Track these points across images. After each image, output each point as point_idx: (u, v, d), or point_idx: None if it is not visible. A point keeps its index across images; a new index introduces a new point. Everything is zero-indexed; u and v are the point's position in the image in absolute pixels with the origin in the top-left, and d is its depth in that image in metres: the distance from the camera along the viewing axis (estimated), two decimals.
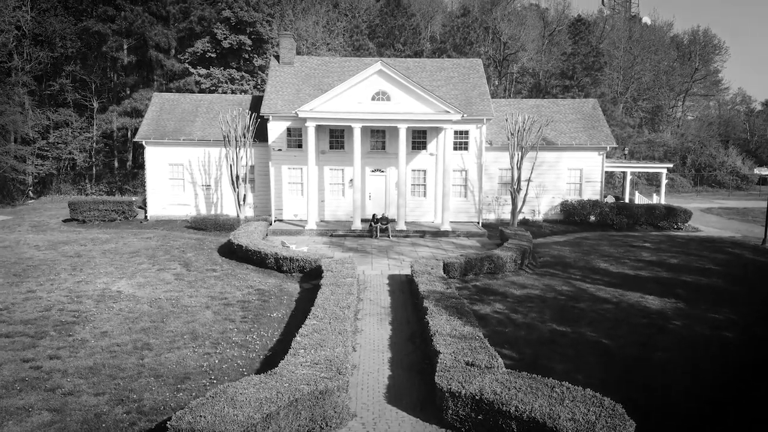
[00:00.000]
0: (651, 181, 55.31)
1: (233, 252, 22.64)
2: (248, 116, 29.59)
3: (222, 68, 41.87)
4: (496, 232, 28.46)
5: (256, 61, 44.22)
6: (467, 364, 10.10)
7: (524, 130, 28.68)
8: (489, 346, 11.03)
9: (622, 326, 15.08)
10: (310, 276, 19.14)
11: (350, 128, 28.06)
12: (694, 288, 19.21)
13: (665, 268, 22.24)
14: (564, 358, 12.74)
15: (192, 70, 42.56)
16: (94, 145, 47.38)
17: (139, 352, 12.81)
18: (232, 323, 14.84)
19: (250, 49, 42.76)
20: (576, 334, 14.41)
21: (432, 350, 11.21)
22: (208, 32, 42.66)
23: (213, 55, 42.33)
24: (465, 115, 27.33)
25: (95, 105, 46.94)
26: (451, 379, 9.41)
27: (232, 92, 41.49)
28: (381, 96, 27.50)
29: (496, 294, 17.91)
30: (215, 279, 19.36)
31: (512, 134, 28.95)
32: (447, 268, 18.69)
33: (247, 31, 42.08)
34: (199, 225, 28.82)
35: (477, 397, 8.87)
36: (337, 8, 58.64)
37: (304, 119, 27.14)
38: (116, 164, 48.16)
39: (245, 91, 42.61)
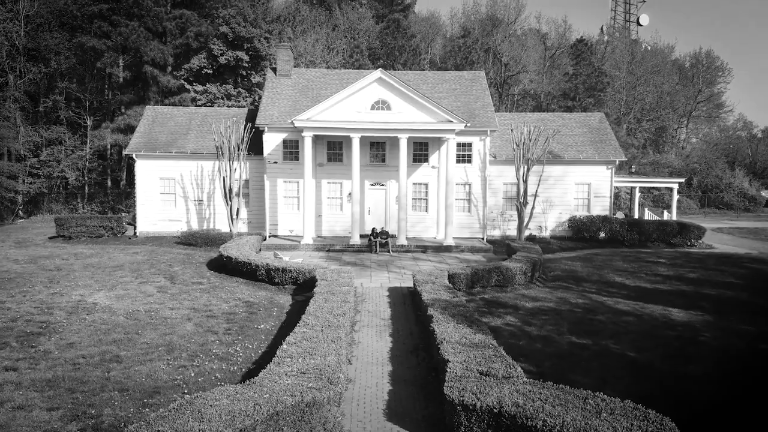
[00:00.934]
0: (657, 202, 54.08)
1: (223, 265, 21.22)
2: (242, 127, 28.42)
3: (219, 84, 40.95)
4: (502, 248, 27.08)
5: (254, 77, 43.35)
6: (481, 373, 8.63)
7: (530, 140, 27.49)
8: (505, 354, 9.57)
9: (648, 339, 13.59)
10: (304, 288, 17.68)
11: (349, 139, 26.87)
12: (719, 301, 17.73)
13: (685, 282, 20.77)
14: (588, 371, 11.24)
15: (188, 86, 41.64)
16: (87, 164, 46.25)
17: (107, 364, 11.31)
18: (214, 335, 13.36)
19: (247, 65, 41.92)
20: (598, 346, 12.92)
21: (440, 359, 9.74)
22: (205, 48, 41.88)
23: (210, 72, 41.45)
24: (468, 125, 26.17)
25: (89, 123, 45.97)
26: (463, 390, 7.93)
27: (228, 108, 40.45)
28: (381, 105, 26.38)
29: (507, 306, 16.44)
30: (201, 291, 17.90)
31: (517, 145, 27.76)
32: (452, 279, 17.25)
33: (245, 47, 41.27)
34: (190, 240, 27.42)
35: (495, 411, 7.38)
36: (335, 30, 58.20)
37: (301, 129, 25.97)
38: (109, 183, 46.97)
39: (242, 107, 41.63)
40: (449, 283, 16.48)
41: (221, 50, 40.66)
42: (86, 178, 46.48)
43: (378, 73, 26.06)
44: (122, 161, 46.02)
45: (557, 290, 18.87)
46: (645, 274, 22.31)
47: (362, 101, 26.25)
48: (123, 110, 44.03)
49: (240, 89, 42.01)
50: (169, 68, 44.13)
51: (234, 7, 40.80)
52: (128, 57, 42.66)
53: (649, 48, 71.48)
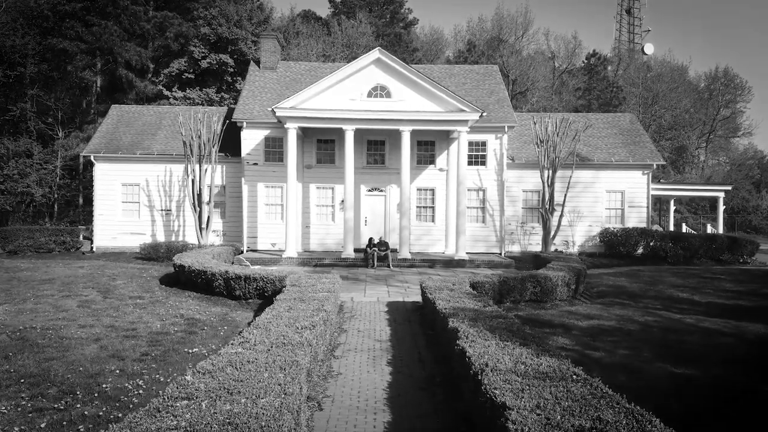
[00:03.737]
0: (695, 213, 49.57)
1: (177, 278, 16.66)
2: (217, 121, 24.10)
3: (199, 89, 36.91)
4: (525, 264, 22.35)
5: (239, 84, 39.34)
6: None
7: (557, 135, 23.18)
8: (611, 392, 4.95)
9: None
10: (272, 302, 13.03)
11: (341, 134, 22.52)
12: None
13: (766, 297, 16.14)
14: (728, 418, 6.59)
15: (167, 92, 37.58)
16: (58, 179, 41.92)
17: None
18: (119, 362, 8.74)
19: (233, 70, 37.96)
20: (711, 378, 8.27)
21: (484, 403, 5.09)
22: (186, 51, 38.00)
23: (191, 76, 37.46)
24: (484, 114, 21.82)
25: (60, 134, 41.82)
26: None
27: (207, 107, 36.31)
28: (379, 92, 22.14)
29: (553, 326, 11.79)
30: (135, 307, 13.27)
31: (541, 141, 23.43)
32: (475, 289, 12.62)
33: (229, 50, 37.36)
34: (151, 254, 22.86)
35: None
36: (333, 46, 54.67)
37: (284, 121, 21.66)
38: (81, 201, 42.58)
39: (222, 106, 37.41)
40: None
41: (203, 53, 36.74)
42: (56, 195, 42.11)
43: (376, 53, 21.92)
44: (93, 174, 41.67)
45: (612, 307, 14.21)
46: (711, 290, 17.66)
47: (357, 87, 22.02)
48: (97, 119, 39.95)
49: (223, 95, 37.94)
50: (150, 75, 40.22)
51: (216, 8, 37.04)
52: (102, 61, 38.76)
53: (666, 62, 67.89)
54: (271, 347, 6.26)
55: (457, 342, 6.67)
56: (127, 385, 7.57)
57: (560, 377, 5.30)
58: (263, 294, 13.44)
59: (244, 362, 5.65)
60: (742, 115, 66.39)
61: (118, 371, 8.26)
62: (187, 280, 15.48)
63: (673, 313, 13.54)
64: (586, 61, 56.68)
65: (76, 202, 42.85)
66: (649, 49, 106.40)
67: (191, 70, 37.44)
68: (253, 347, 6.28)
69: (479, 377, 5.29)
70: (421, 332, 10.68)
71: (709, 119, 63.26)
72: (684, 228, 31.48)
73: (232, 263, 20.56)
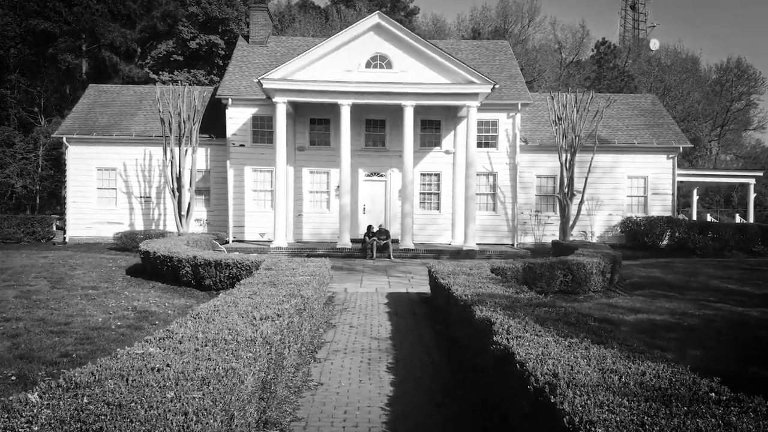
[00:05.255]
0: (711, 205, 47.24)
1: (144, 268, 14.37)
2: (198, 97, 21.76)
3: (187, 70, 34.58)
4: (541, 256, 19.95)
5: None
6: None
7: (576, 113, 20.86)
8: None
9: None
10: None
11: (337, 110, 20.15)
12: None
13: None
14: None
15: (153, 75, 35.26)
16: (39, 170, 39.64)
17: None
18: (27, 364, 6.42)
19: (223, 52, 35.60)
20: None
21: None
22: (174, 33, 35.67)
23: (179, 58, 35.12)
24: (497, 86, 19.47)
25: (42, 122, 39.53)
26: None
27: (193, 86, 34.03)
28: (379, 62, 19.83)
29: (596, 321, 9.45)
30: (82, 299, 10.97)
31: (560, 119, 21.10)
32: (497, 275, 10.27)
33: (219, 30, 35.02)
34: (126, 244, 20.55)
35: None
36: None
37: (272, 93, 19.35)
38: (65, 193, 40.19)
39: (209, 86, 35.06)
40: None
41: (192, 33, 34.40)
42: (38, 187, 39.84)
43: (375, 17, 19.61)
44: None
45: (657, 299, 11.88)
46: (760, 281, 15.34)
47: (354, 56, 19.71)
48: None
49: (213, 77, 35.59)
50: (137, 60, 37.92)
51: None
52: (86, 44, 36.48)
53: (677, 53, 65.58)
54: (203, 346, 3.96)
55: (494, 339, 4.35)
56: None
57: (690, 397, 2.99)
58: (237, 282, 11.11)
59: (146, 371, 3.35)
60: (756, 107, 64.05)
61: (14, 377, 5.95)
62: (153, 268, 13.19)
63: (733, 306, 11.22)
64: (595, 50, 54.31)
65: (59, 194, 40.51)
66: (654, 44, 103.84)
67: (179, 52, 35.11)
68: (175, 346, 3.97)
69: (551, 398, 2.98)
70: (429, 327, 8.38)
71: (722, 111, 60.93)
72: (708, 217, 29.12)
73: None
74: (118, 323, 8.78)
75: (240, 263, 10.99)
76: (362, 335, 7.92)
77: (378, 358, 6.74)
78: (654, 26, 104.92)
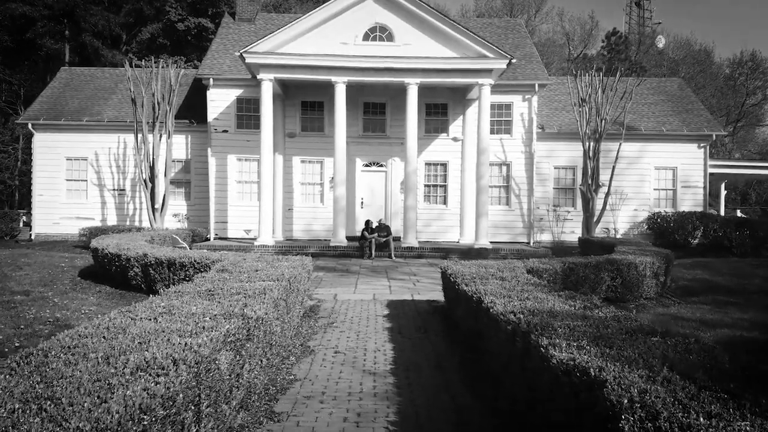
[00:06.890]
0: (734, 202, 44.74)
1: (96, 270, 11.99)
2: (173, 75, 19.29)
3: (173, 56, 32.24)
4: (566, 255, 17.55)
5: None
6: None
7: (601, 92, 18.46)
8: None
9: None
10: None
11: (331, 92, 17.71)
12: None
13: None
14: None
15: (138, 62, 32.86)
16: (19, 164, 37.30)
17: None
18: None
19: (213, 36, 33.23)
20: None
21: None
22: (162, 17, 33.28)
23: (166, 42, 32.71)
24: (513, 60, 17.01)
25: (22, 112, 37.10)
26: None
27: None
28: (378, 33, 17.42)
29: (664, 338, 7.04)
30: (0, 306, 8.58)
31: (583, 101, 18.70)
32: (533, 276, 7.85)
33: (210, 13, 32.63)
34: (91, 242, 18.09)
35: None
36: None
37: (256, 69, 16.93)
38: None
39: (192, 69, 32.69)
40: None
41: (180, 15, 31.98)
42: (16, 182, 37.49)
43: None
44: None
45: (723, 307, 9.47)
46: None
47: (351, 28, 17.30)
48: None
49: (197, 62, 33.23)
50: (122, 46, 35.55)
51: None
52: (68, 28, 34.12)
53: (689, 45, 63.18)
54: None
55: (620, 426, 1.95)
56: None
57: None
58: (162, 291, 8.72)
59: None
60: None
61: None
62: (101, 268, 10.82)
63: None
64: (605, 41, 51.84)
65: None
66: (660, 42, 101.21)
67: (165, 36, 32.70)
68: None
69: None
70: (449, 352, 5.96)
71: (737, 106, 58.53)
72: (738, 213, 26.71)
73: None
74: (15, 344, 6.37)
75: (199, 262, 8.59)
76: (351, 367, 5.50)
77: (373, 411, 4.33)
78: (660, 23, 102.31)
